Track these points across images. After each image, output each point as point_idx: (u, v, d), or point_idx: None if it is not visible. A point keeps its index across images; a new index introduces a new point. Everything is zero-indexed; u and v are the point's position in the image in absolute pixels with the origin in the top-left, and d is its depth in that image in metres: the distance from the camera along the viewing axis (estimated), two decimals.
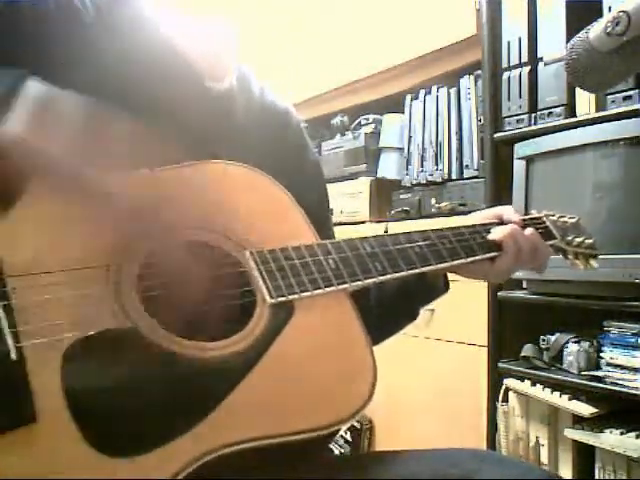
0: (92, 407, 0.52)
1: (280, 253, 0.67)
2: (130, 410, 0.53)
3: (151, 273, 0.60)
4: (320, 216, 0.89)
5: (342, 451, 2.14)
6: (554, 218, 0.94)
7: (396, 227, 2.03)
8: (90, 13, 0.69)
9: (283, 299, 0.64)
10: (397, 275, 0.74)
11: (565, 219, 0.96)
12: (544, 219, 0.93)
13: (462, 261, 0.80)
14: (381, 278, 0.72)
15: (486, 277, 0.89)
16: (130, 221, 0.61)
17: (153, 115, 0.70)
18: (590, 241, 0.94)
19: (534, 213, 0.95)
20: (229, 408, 0.57)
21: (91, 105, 0.60)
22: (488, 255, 0.83)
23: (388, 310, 0.90)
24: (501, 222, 0.88)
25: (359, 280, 0.70)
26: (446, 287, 0.90)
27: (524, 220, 0.90)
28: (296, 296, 0.65)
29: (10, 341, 0.50)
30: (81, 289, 0.55)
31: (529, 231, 0.86)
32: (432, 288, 0.89)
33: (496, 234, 0.85)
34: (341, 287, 0.68)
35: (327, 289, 0.67)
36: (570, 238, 0.93)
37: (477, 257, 0.82)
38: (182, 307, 0.62)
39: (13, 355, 0.50)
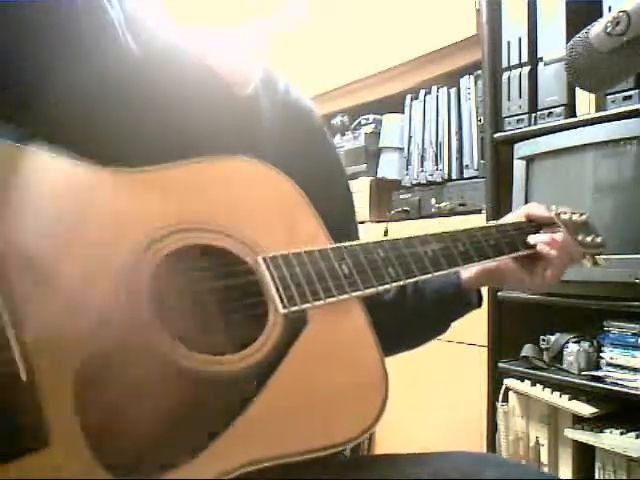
0: (106, 428, 0.50)
1: (293, 259, 0.65)
2: (146, 430, 0.52)
3: (163, 283, 0.58)
4: (343, 215, 0.90)
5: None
6: (566, 217, 0.92)
7: (396, 227, 2.03)
8: (119, 15, 0.68)
9: (296, 309, 0.62)
10: (410, 281, 0.73)
11: (575, 217, 0.94)
12: (555, 219, 0.91)
13: (473, 264, 0.80)
14: (394, 284, 0.71)
15: (527, 288, 0.90)
16: (138, 227, 0.59)
17: (180, 120, 0.69)
18: (599, 240, 0.93)
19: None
20: (244, 426, 0.55)
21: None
22: (499, 258, 0.83)
23: (425, 322, 0.91)
24: (530, 220, 0.90)
25: (372, 287, 0.69)
26: (479, 302, 0.91)
27: (550, 218, 0.91)
28: (309, 305, 0.63)
29: (20, 361, 0.48)
30: (91, 301, 0.53)
31: (561, 235, 0.87)
32: (467, 303, 0.90)
33: (533, 239, 0.86)
34: (354, 294, 0.67)
35: (340, 297, 0.66)
36: (581, 238, 0.91)
37: (488, 260, 0.82)
38: (194, 318, 0.61)
39: (23, 376, 0.48)
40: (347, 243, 0.70)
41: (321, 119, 0.93)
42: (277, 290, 0.62)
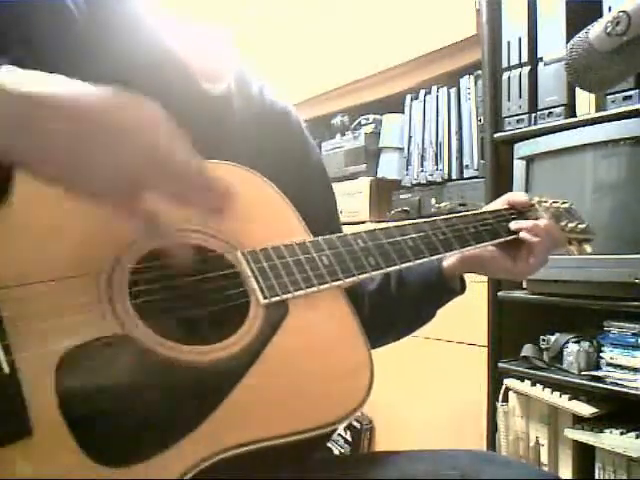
0: (89, 417, 0.51)
1: (272, 252, 0.66)
2: (128, 418, 0.52)
3: (143, 278, 0.59)
4: (326, 215, 0.89)
5: (342, 451, 2.14)
6: (547, 205, 0.93)
7: None
8: (81, 8, 0.68)
9: (277, 299, 0.63)
10: (391, 269, 0.73)
11: (558, 205, 0.95)
12: (536, 206, 0.92)
13: (455, 252, 0.81)
14: (374, 273, 0.72)
15: (510, 274, 0.90)
16: (119, 226, 0.59)
17: None
18: (583, 226, 0.94)
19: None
20: (227, 411, 0.56)
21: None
22: (480, 245, 0.83)
23: (409, 310, 0.91)
24: (511, 207, 0.90)
25: (353, 276, 0.70)
26: (462, 289, 0.91)
27: (531, 205, 0.92)
28: (290, 295, 0.64)
29: (2, 354, 0.48)
30: (72, 297, 0.54)
31: (544, 221, 0.87)
32: (450, 289, 0.89)
33: (515, 225, 0.87)
34: (335, 284, 0.68)
35: (321, 287, 0.66)
36: (563, 224, 0.92)
37: (469, 248, 0.82)
38: (175, 311, 0.61)
39: (5, 368, 0.48)
40: (326, 236, 0.71)
41: (299, 119, 0.93)
42: (257, 281, 0.63)
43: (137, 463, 0.51)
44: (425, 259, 0.76)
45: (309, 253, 0.68)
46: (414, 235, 0.77)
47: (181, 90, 0.75)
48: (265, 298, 0.63)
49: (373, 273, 0.72)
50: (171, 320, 0.61)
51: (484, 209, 0.91)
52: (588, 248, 0.94)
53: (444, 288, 0.89)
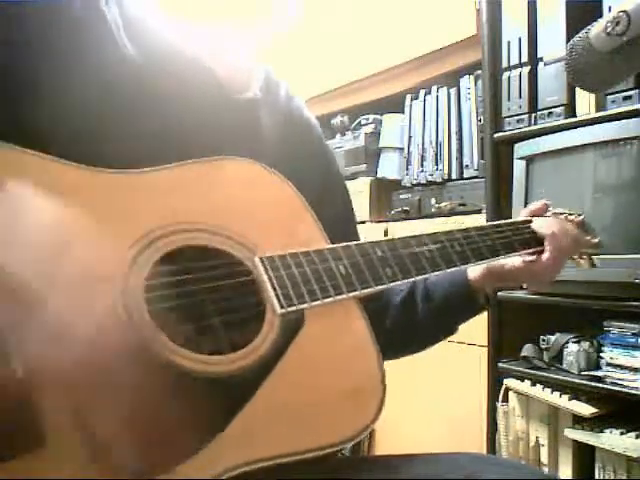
0: (103, 429, 0.50)
1: (290, 259, 0.65)
2: (141, 431, 0.52)
3: (159, 283, 0.58)
4: (344, 225, 0.89)
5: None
6: (561, 218, 0.93)
7: (396, 227, 2.03)
8: (116, 18, 0.68)
9: (293, 309, 0.62)
10: (407, 281, 0.73)
11: (572, 218, 0.94)
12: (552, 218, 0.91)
13: (471, 264, 0.80)
14: (391, 284, 0.71)
15: (528, 283, 0.89)
16: (136, 227, 0.59)
17: (179, 124, 0.70)
18: (596, 240, 0.93)
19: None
20: (241, 426, 0.55)
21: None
22: (497, 258, 0.83)
23: (433, 326, 0.91)
24: (529, 220, 0.90)
25: (370, 287, 0.69)
26: (487, 302, 0.91)
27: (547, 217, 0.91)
28: (306, 305, 0.63)
29: (16, 360, 0.47)
30: (87, 303, 0.53)
31: (566, 225, 0.86)
32: (476, 307, 0.90)
33: (538, 225, 0.86)
34: (351, 294, 0.67)
35: (337, 297, 0.66)
36: None
37: (485, 260, 0.82)
38: (191, 318, 0.60)
39: (20, 374, 0.47)
40: (344, 244, 0.70)
41: (318, 126, 0.93)
42: (274, 290, 0.62)
43: (149, 478, 0.50)
44: (441, 271, 0.76)
45: (327, 262, 0.67)
46: (432, 246, 0.77)
47: (209, 96, 0.74)
48: (282, 307, 0.62)
49: (390, 284, 0.71)
50: (187, 326, 0.60)
51: (504, 221, 0.90)
52: (597, 262, 0.93)
53: (471, 308, 0.90)
